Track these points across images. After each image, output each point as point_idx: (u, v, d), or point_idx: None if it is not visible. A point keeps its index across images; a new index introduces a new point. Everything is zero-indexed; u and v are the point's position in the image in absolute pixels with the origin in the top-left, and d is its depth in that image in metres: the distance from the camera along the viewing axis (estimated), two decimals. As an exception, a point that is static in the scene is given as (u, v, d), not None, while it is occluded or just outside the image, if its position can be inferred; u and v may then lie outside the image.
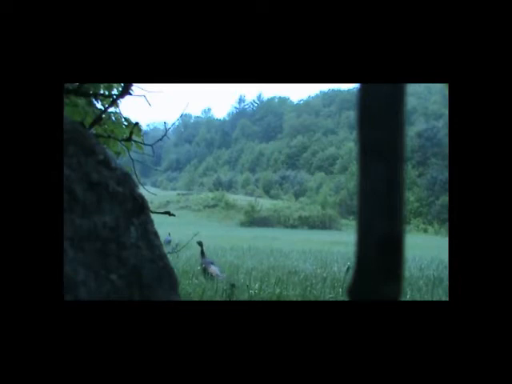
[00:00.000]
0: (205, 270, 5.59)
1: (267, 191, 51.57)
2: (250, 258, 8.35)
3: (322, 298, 4.49)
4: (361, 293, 0.60)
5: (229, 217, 33.19)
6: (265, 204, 33.92)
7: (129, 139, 2.45)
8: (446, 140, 0.83)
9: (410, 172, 37.44)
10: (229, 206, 35.98)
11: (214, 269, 5.60)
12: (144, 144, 2.61)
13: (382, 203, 0.57)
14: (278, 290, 4.66)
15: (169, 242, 8.75)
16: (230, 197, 39.08)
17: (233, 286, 4.34)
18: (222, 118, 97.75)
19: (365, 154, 0.58)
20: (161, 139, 2.62)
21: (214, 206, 36.58)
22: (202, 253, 5.88)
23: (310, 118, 73.47)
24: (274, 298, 4.30)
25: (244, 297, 4.29)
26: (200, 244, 5.89)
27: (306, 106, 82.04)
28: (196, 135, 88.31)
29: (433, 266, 7.63)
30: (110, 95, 2.45)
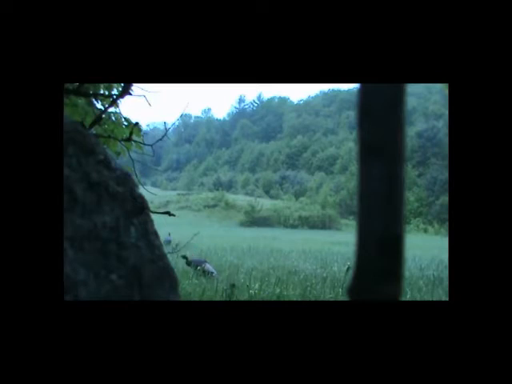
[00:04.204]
0: (204, 271, 5.63)
1: (267, 191, 51.52)
2: (249, 257, 8.35)
3: (322, 298, 4.49)
4: (361, 293, 0.60)
5: (229, 217, 33.19)
6: (265, 204, 33.93)
7: (129, 139, 2.45)
8: (446, 140, 0.83)
9: (410, 172, 37.44)
10: (229, 206, 35.97)
11: (210, 268, 5.74)
12: (144, 144, 2.61)
13: (381, 203, 0.57)
14: (277, 290, 4.66)
15: (169, 241, 8.74)
16: (230, 197, 39.08)
17: (233, 286, 4.34)
18: (221, 118, 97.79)
19: (365, 153, 0.58)
20: (161, 139, 2.62)
21: (214, 206, 36.57)
22: (188, 262, 5.98)
23: (309, 118, 73.48)
24: (274, 298, 4.30)
25: (244, 297, 4.29)
26: (184, 257, 6.03)
27: (306, 105, 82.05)
28: (196, 135, 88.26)
29: (433, 265, 7.63)
30: (110, 95, 2.45)
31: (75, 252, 0.91)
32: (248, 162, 69.20)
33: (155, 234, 1.12)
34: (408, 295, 4.73)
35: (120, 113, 2.55)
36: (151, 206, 1.28)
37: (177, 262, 5.91)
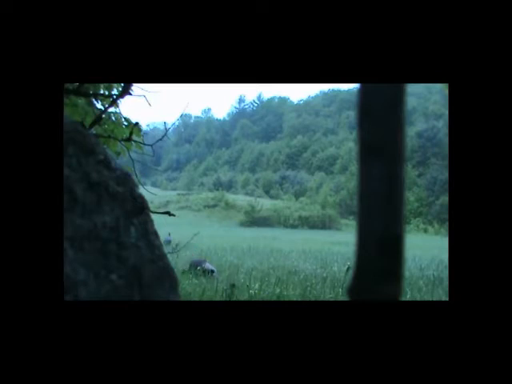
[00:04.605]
0: (204, 270, 5.65)
1: (267, 191, 51.51)
2: (249, 257, 8.36)
3: (322, 298, 4.49)
4: (361, 293, 0.60)
5: (229, 217, 33.20)
6: (265, 204, 33.95)
7: (129, 139, 2.45)
8: (446, 140, 0.83)
9: (410, 172, 37.45)
10: (229, 206, 35.99)
11: (210, 266, 5.76)
12: (144, 144, 2.61)
13: (381, 203, 0.57)
14: (277, 290, 4.67)
15: (169, 241, 8.74)
16: (230, 197, 39.10)
17: (233, 286, 4.35)
18: (221, 118, 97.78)
19: (365, 153, 0.58)
20: (161, 139, 2.62)
21: (214, 206, 36.58)
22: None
23: (309, 118, 73.49)
24: (274, 298, 4.30)
25: (244, 297, 4.29)
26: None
27: (306, 105, 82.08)
28: (196, 135, 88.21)
29: (433, 265, 7.64)
30: (110, 95, 2.45)
31: (75, 252, 0.91)
32: (248, 161, 69.18)
33: (155, 234, 1.12)
34: (408, 295, 4.73)
35: (120, 113, 2.55)
36: (151, 206, 1.28)
37: (177, 262, 5.91)
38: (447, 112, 0.83)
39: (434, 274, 6.06)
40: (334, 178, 47.98)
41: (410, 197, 35.59)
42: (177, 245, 7.36)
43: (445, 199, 31.42)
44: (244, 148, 74.46)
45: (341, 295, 4.59)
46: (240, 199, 38.20)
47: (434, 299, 4.52)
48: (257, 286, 4.85)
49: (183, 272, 5.93)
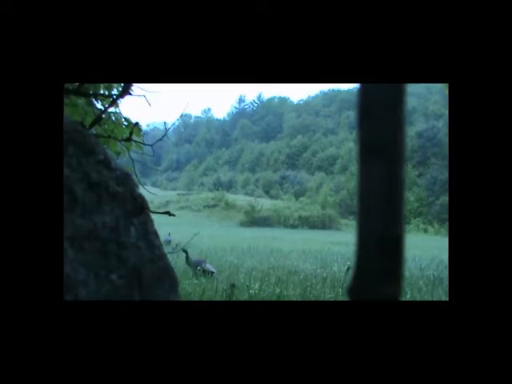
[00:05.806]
0: (204, 271, 5.65)
1: (267, 191, 51.51)
2: (249, 257, 8.35)
3: (322, 298, 4.49)
4: (361, 293, 0.60)
5: (229, 217, 33.19)
6: (265, 204, 33.94)
7: (129, 139, 2.45)
8: (446, 140, 0.83)
9: (410, 172, 37.46)
10: (229, 206, 35.99)
11: (210, 267, 5.76)
12: (144, 144, 2.61)
13: (382, 203, 0.57)
14: (277, 290, 4.66)
15: (169, 241, 8.74)
16: (230, 197, 39.10)
17: (233, 286, 4.34)
18: (221, 118, 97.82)
19: (365, 153, 0.58)
20: (161, 139, 2.62)
21: (214, 206, 36.58)
22: (187, 258, 5.97)
23: (309, 118, 73.54)
24: (274, 298, 4.30)
25: (244, 297, 4.29)
26: (185, 251, 5.98)
27: (306, 105, 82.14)
28: (196, 135, 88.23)
29: (433, 265, 7.63)
30: (110, 95, 2.45)
31: (75, 252, 0.91)
32: (248, 162, 69.18)
33: (155, 234, 1.12)
34: (408, 295, 4.73)
35: (120, 113, 2.55)
36: (151, 206, 1.28)
37: (177, 262, 5.91)
38: (447, 112, 0.83)
39: (434, 274, 6.06)
40: (334, 178, 47.97)
41: (410, 197, 35.59)
42: (177, 245, 7.36)
43: (445, 199, 31.42)
44: (244, 148, 74.46)
45: (341, 295, 4.59)
46: (240, 199, 38.20)
47: (434, 299, 4.52)
48: (257, 286, 4.84)
49: (184, 255, 5.87)
